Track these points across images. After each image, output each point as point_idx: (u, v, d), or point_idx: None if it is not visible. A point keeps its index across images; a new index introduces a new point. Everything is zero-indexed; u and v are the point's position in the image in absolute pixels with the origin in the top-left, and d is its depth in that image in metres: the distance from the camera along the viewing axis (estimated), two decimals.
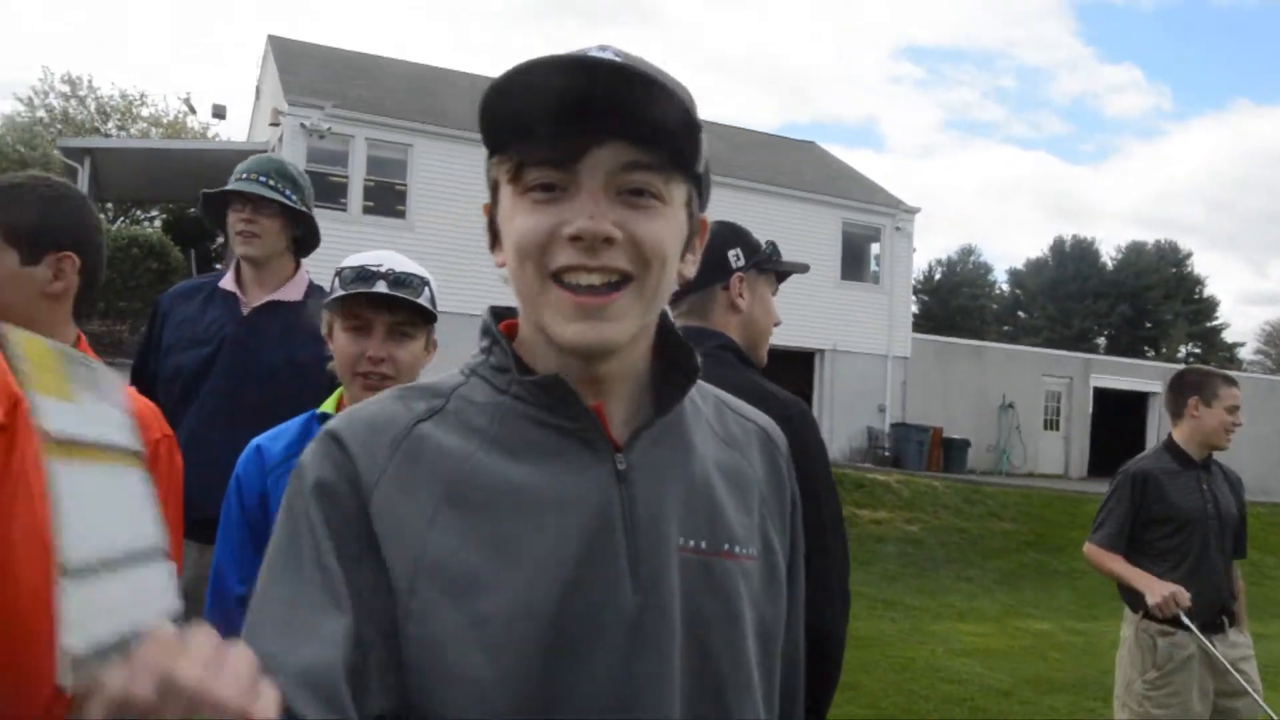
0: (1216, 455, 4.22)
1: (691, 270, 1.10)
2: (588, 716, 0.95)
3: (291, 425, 2.16)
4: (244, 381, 2.93)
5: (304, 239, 3.21)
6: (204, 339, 3.03)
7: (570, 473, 1.01)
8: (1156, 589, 3.79)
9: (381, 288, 2.05)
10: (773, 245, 2.46)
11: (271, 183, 3.09)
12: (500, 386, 1.05)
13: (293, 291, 3.14)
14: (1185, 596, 3.73)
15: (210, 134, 31.67)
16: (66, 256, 1.79)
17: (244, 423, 2.27)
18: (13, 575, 1.12)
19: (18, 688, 1.12)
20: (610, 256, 0.98)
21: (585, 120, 0.96)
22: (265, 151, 18.87)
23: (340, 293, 2.07)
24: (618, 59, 0.96)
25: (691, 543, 1.04)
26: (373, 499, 0.97)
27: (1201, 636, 3.83)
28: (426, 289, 2.12)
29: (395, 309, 2.07)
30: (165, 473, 1.90)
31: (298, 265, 3.22)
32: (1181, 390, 4.17)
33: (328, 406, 2.18)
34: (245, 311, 3.08)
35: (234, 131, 32.82)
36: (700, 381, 1.15)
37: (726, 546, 1.07)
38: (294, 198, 3.12)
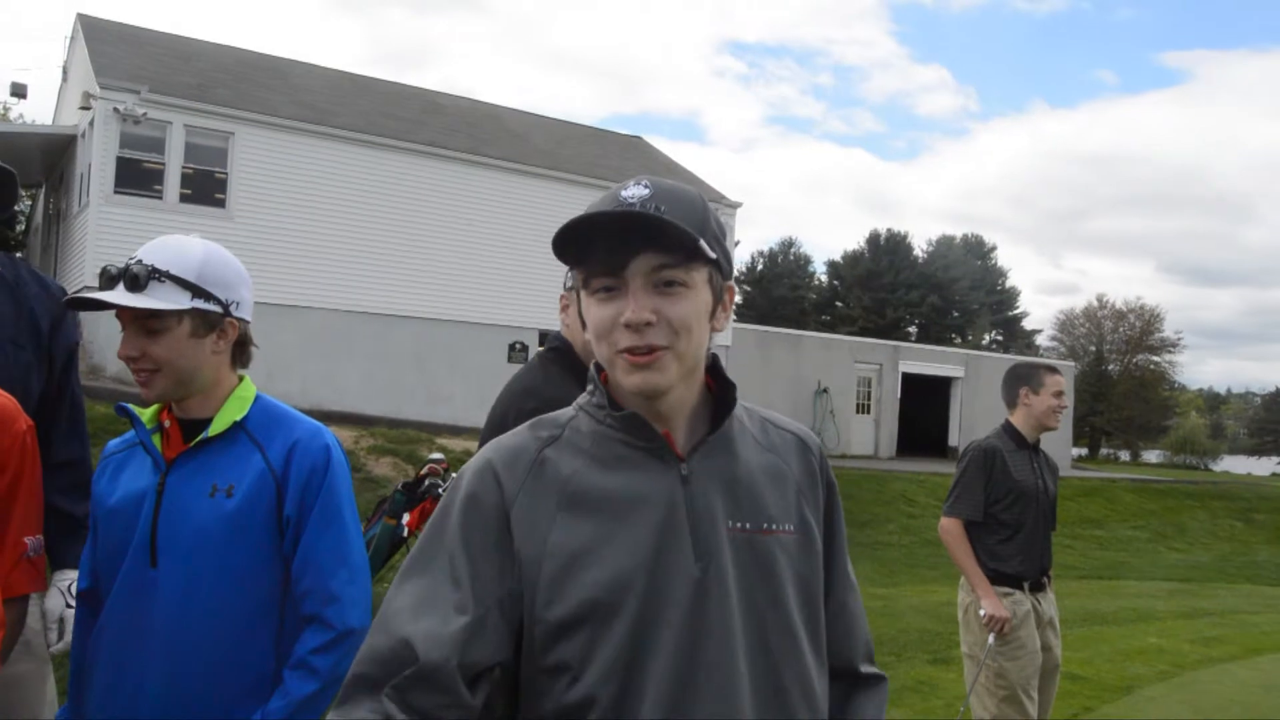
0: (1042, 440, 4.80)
1: (724, 324, 1.49)
2: (670, 655, 1.34)
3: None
4: None
5: None
6: None
7: (649, 479, 1.41)
8: (992, 605, 4.45)
9: (119, 291, 1.99)
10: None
11: None
12: (599, 419, 1.46)
13: None
14: (1009, 626, 4.43)
15: (13, 115, 30.02)
16: None
17: None
18: None
19: None
20: (651, 335, 1.38)
21: (626, 243, 1.37)
22: (73, 135, 18.11)
23: (71, 296, 2.02)
24: (646, 191, 1.38)
25: (737, 524, 1.43)
26: (514, 508, 1.39)
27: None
28: (167, 280, 2.02)
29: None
30: (31, 459, 2.07)
31: None
32: (1013, 382, 4.76)
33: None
34: None
35: (37, 113, 31.04)
36: (749, 405, 1.58)
37: (765, 525, 1.45)
38: None
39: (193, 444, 2.04)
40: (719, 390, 1.51)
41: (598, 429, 1.46)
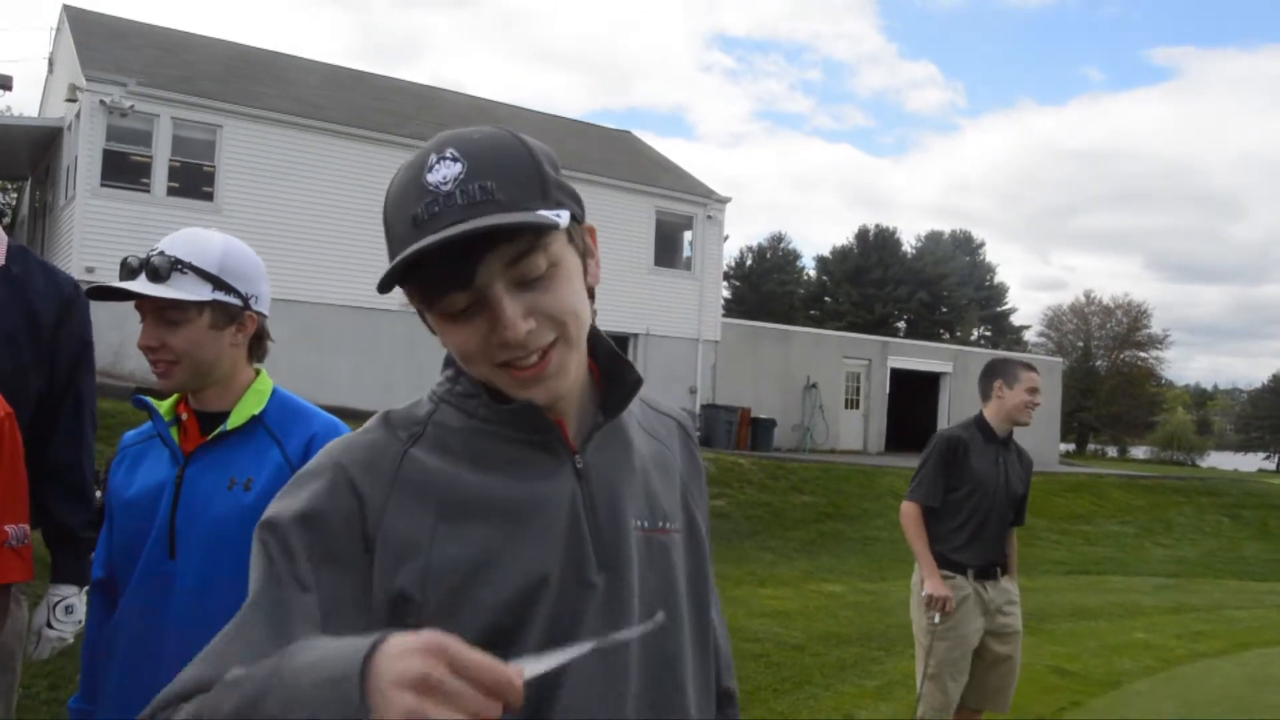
0: (1017, 434, 4.90)
1: (598, 272, 1.21)
2: (575, 682, 1.10)
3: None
4: None
5: None
6: None
7: (539, 477, 1.16)
8: (933, 585, 4.58)
9: (141, 281, 1.99)
10: None
11: None
12: (469, 411, 1.19)
13: None
14: (950, 604, 4.55)
15: None
16: None
17: None
18: None
19: None
20: (537, 338, 1.10)
21: (467, 251, 1.06)
22: (59, 127, 18.00)
23: (91, 285, 2.04)
24: (459, 168, 1.07)
25: (641, 523, 1.22)
26: (382, 523, 1.10)
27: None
28: (189, 272, 2.02)
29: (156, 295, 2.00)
30: (10, 446, 2.08)
31: None
32: (988, 376, 4.88)
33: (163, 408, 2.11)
34: None
35: (22, 105, 30.84)
36: None
37: (662, 523, 1.25)
38: None
39: (211, 437, 2.04)
40: (610, 367, 1.26)
41: (469, 423, 1.19)
